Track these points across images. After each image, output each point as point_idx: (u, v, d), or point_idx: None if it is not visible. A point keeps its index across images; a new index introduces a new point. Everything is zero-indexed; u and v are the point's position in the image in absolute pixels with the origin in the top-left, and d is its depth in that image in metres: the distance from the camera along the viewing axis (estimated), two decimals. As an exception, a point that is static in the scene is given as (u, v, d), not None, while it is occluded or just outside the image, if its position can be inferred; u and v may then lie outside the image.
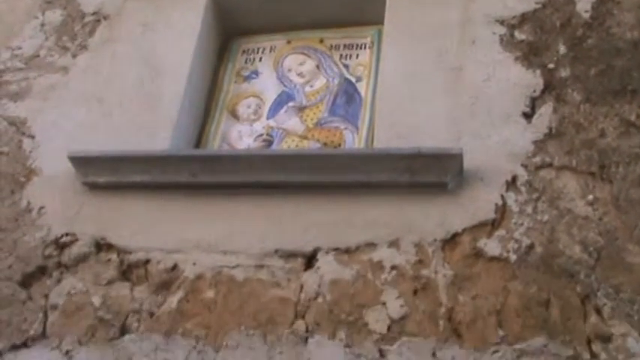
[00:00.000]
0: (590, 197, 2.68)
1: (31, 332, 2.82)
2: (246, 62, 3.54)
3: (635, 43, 2.94)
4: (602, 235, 2.61)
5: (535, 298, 2.54)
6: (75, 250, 2.93)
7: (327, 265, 2.71)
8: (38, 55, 3.55)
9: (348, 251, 2.72)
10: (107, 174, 3.00)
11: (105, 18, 3.59)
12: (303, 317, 2.65)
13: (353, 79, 3.34)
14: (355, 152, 3.00)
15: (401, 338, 2.56)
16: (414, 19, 3.21)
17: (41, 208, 3.04)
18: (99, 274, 2.88)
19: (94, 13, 3.62)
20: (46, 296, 2.88)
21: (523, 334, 2.50)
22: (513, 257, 2.61)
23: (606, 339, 2.46)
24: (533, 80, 2.95)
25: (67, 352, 2.76)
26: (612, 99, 2.85)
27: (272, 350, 2.61)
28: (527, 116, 2.88)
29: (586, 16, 3.05)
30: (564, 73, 2.94)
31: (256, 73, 3.49)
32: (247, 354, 2.62)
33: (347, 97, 3.28)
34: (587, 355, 2.45)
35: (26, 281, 2.92)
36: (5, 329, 2.84)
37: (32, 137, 3.26)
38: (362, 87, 3.30)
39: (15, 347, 2.81)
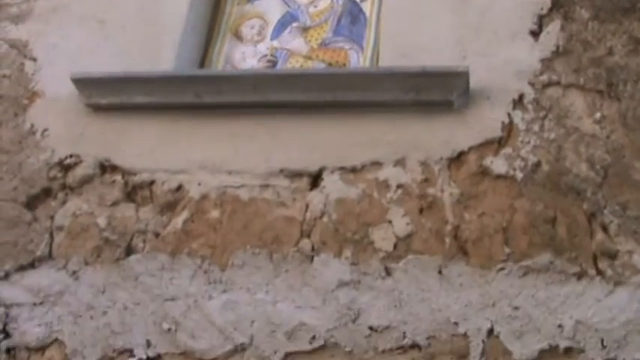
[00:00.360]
0: (598, 115, 2.62)
1: (38, 253, 2.78)
2: (250, -17, 3.44)
3: (645, -41, 2.84)
4: (609, 153, 2.55)
5: (541, 216, 2.49)
6: (79, 171, 2.87)
7: (332, 184, 2.66)
8: (39, -23, 3.43)
9: (353, 170, 2.66)
10: (110, 95, 2.91)
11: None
12: (308, 236, 2.61)
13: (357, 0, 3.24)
14: (360, 71, 2.92)
15: (407, 256, 2.52)
16: None
17: (45, 130, 2.97)
18: (104, 196, 2.82)
19: None
20: (52, 217, 2.83)
21: (529, 251, 2.46)
22: (520, 175, 2.56)
23: (612, 256, 2.43)
24: (541, -3, 2.85)
25: (74, 272, 2.72)
26: (621, 16, 2.76)
27: (278, 269, 2.57)
28: (535, 34, 2.79)
29: None
30: (573, -10, 2.85)
31: (260, -6, 3.39)
32: (253, 272, 2.58)
33: (351, 18, 3.19)
34: (593, 272, 2.42)
35: (31, 203, 2.87)
36: (12, 250, 2.79)
37: (34, 60, 3.17)
38: (366, 7, 3.20)
39: (22, 268, 2.77)
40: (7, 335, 2.70)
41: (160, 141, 2.85)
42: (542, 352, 2.36)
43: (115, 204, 2.80)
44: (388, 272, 2.50)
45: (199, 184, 2.75)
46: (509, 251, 2.47)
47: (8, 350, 2.68)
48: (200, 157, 2.79)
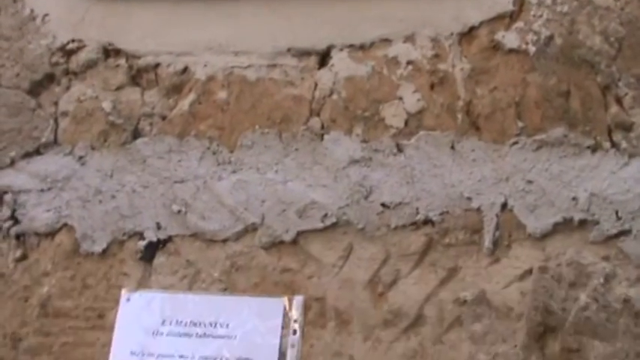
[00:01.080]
0: (612, -13, 2.41)
1: (43, 139, 2.62)
2: None
3: None
4: (623, 25, 2.36)
5: (555, 90, 2.32)
6: (82, 56, 2.67)
7: (341, 62, 2.47)
8: None
9: (362, 48, 2.47)
10: (111, -23, 2.69)
11: None
12: (318, 115, 2.44)
13: None
14: (367, -54, 2.69)
15: (418, 132, 2.36)
16: None
17: (45, 15, 2.74)
18: (108, 80, 2.63)
19: None
20: (56, 103, 2.65)
21: (543, 125, 2.30)
22: (532, 49, 2.37)
23: (627, 128, 2.27)
24: None
25: (80, 157, 2.57)
26: None
27: (288, 148, 2.41)
28: None
29: None
30: None
31: None
32: (263, 152, 2.42)
33: None
34: (607, 145, 2.26)
35: (34, 89, 2.68)
36: (16, 137, 2.63)
37: (31, -57, 2.92)
38: None
39: (27, 154, 2.62)
40: (16, 222, 2.58)
41: (163, 23, 2.64)
42: (556, 225, 2.23)
43: (119, 88, 2.62)
44: (400, 149, 2.35)
45: (205, 65, 2.55)
46: (522, 125, 2.30)
47: (18, 236, 2.56)
48: (205, 38, 2.58)
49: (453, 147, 2.32)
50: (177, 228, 2.43)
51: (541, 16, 2.39)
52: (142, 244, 2.44)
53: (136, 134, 2.55)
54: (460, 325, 2.18)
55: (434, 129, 2.35)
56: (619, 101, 2.29)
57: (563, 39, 2.36)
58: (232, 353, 2.22)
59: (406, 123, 2.37)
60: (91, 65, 2.65)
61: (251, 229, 2.38)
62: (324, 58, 2.50)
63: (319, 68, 2.49)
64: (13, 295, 2.48)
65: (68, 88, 2.66)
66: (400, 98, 2.39)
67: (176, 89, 2.57)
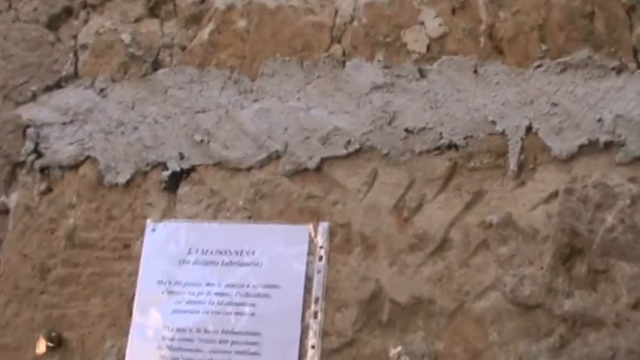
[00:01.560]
0: None
1: (63, 73, 2.49)
2: None
3: None
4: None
5: (579, 11, 2.17)
6: (100, -12, 2.52)
7: (361, -12, 2.31)
8: None
9: (382, -29, 2.31)
10: None
11: None
12: (339, 42, 2.30)
13: None
14: None
15: (441, 57, 2.21)
16: None
17: (61, -51, 2.60)
18: (126, 12, 2.50)
19: None
20: (75, 37, 2.53)
21: (567, 47, 2.15)
22: (555, -31, 2.21)
23: (653, 49, 2.12)
24: None
25: (102, 90, 2.44)
26: None
27: (309, 75, 2.27)
28: None
29: None
30: None
31: None
32: (284, 80, 2.28)
33: None
34: (633, 66, 2.12)
35: (53, 23, 2.55)
36: (37, 71, 2.50)
37: None
38: None
39: (48, 88, 2.50)
40: (40, 155, 2.45)
41: (180, -47, 2.49)
42: (581, 147, 2.09)
43: (138, 20, 2.48)
44: (422, 74, 2.20)
45: (223, -5, 2.41)
46: (546, 48, 2.16)
47: (42, 170, 2.44)
48: (223, -33, 2.43)
49: (475, 71, 2.18)
50: (201, 157, 2.30)
51: (562, -52, 2.23)
52: (166, 174, 2.31)
53: (156, 65, 2.42)
54: (486, 249, 2.06)
55: (456, 53, 2.21)
56: (645, 22, 2.15)
57: (587, -41, 2.20)
58: (259, 280, 2.12)
59: (428, 48, 2.23)
60: (108, -3, 2.51)
61: (274, 156, 2.25)
62: (343, -17, 2.35)
63: (339, -6, 2.35)
64: (40, 227, 2.37)
65: (87, 21, 2.53)
66: (422, 23, 2.25)
67: (195, 19, 2.43)
